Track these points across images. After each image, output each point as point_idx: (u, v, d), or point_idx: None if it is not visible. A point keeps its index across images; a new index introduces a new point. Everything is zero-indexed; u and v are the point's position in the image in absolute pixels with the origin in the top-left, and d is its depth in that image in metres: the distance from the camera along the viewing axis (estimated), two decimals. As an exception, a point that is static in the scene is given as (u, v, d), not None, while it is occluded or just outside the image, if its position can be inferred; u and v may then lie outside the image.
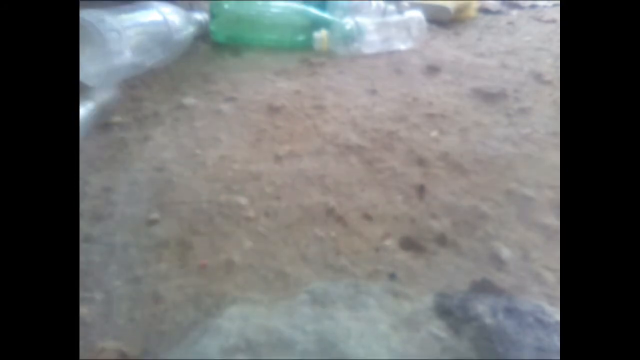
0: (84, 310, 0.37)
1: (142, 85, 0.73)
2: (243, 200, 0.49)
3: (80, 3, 0.49)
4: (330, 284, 0.38)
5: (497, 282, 0.40)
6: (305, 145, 0.59)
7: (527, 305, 0.36)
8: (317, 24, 0.87)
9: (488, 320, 0.35)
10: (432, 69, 0.80)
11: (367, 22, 0.86)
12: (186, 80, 0.75)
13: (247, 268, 0.41)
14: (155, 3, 0.77)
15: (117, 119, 0.64)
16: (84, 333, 0.35)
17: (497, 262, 0.42)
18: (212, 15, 0.87)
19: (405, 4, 1.02)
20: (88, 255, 0.42)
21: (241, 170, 0.54)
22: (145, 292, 0.39)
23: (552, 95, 0.72)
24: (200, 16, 0.88)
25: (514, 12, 1.13)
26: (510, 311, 0.35)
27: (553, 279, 0.40)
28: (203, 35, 0.88)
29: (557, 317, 0.35)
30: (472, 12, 1.08)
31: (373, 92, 0.73)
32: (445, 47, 0.91)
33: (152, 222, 0.46)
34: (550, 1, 1.18)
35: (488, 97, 0.71)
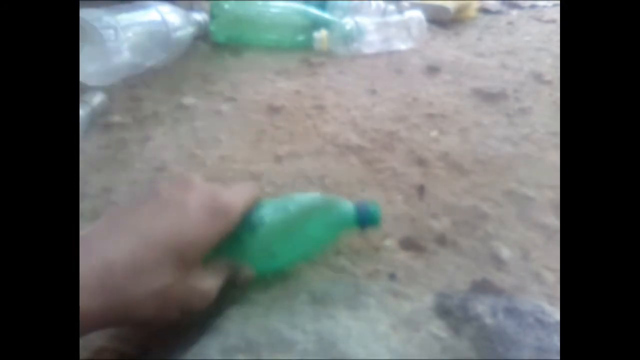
0: (83, 310, 0.37)
1: (142, 85, 0.73)
2: (243, 200, 0.49)
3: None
4: (330, 284, 0.38)
5: (497, 282, 0.40)
6: (305, 145, 0.59)
7: (527, 305, 0.36)
8: (317, 24, 0.87)
9: (488, 320, 0.35)
10: (432, 69, 0.80)
11: (367, 22, 0.86)
12: (186, 80, 0.75)
13: (247, 268, 0.41)
14: (154, 3, 0.77)
15: (117, 119, 0.64)
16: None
17: (497, 262, 0.42)
18: (212, 16, 0.87)
19: (405, 4, 1.02)
20: (88, 255, 0.42)
21: (241, 170, 0.54)
22: (145, 292, 0.39)
23: (552, 95, 0.72)
24: (200, 16, 0.88)
25: (514, 12, 1.13)
26: (510, 311, 0.35)
27: (553, 279, 0.40)
28: (203, 35, 0.88)
29: (557, 317, 0.35)
30: (472, 12, 1.08)
31: (373, 92, 0.73)
32: (445, 47, 0.91)
33: (152, 222, 0.46)
34: (550, 1, 1.18)
35: (488, 97, 0.71)
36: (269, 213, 0.38)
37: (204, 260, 0.33)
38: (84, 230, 0.30)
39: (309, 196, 0.40)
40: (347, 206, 0.40)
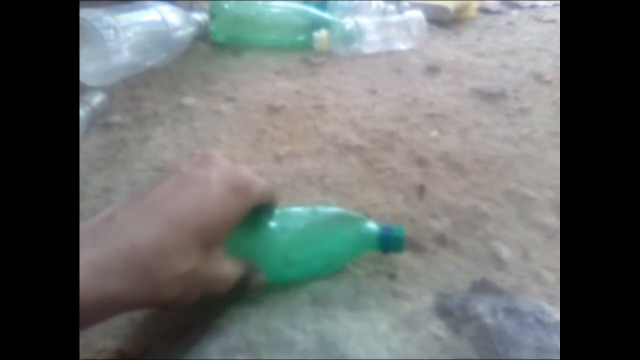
0: (83, 310, 0.37)
1: (142, 85, 0.73)
2: (243, 200, 0.49)
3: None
4: (330, 284, 0.38)
5: (497, 282, 0.40)
6: (305, 145, 0.59)
7: (527, 305, 0.36)
8: (317, 24, 0.87)
9: (488, 320, 0.35)
10: (432, 69, 0.80)
11: (367, 22, 0.86)
12: (186, 80, 0.76)
13: (247, 268, 0.41)
14: (154, 3, 0.77)
15: (117, 119, 0.64)
16: (83, 333, 0.35)
17: (497, 262, 0.42)
18: (212, 15, 0.87)
19: (405, 4, 1.02)
20: (88, 255, 0.42)
21: (241, 170, 0.54)
22: (145, 292, 0.39)
23: (552, 95, 0.72)
24: (200, 16, 0.88)
25: (514, 12, 1.13)
26: (510, 311, 0.35)
27: (553, 279, 0.40)
28: (203, 35, 0.88)
29: (557, 317, 0.35)
30: (472, 12, 1.08)
31: (373, 92, 0.73)
32: (445, 47, 0.91)
33: (152, 222, 0.46)
34: (550, 1, 1.18)
35: (488, 97, 0.71)
36: (291, 220, 0.38)
37: (226, 248, 0.33)
38: (108, 209, 0.30)
39: (334, 210, 0.40)
40: (372, 227, 0.39)
